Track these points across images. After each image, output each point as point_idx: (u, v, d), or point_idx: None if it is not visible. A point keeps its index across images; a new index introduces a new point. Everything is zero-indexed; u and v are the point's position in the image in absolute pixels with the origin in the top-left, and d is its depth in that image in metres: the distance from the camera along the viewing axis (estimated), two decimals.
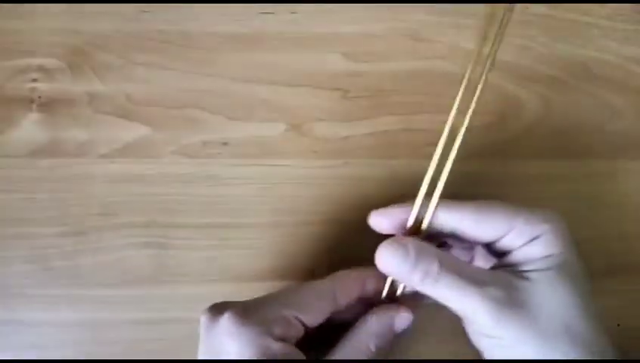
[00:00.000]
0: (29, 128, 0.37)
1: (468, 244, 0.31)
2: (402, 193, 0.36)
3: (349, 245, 0.36)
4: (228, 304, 0.27)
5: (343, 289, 0.29)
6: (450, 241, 0.31)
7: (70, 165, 0.36)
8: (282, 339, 0.26)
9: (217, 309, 0.27)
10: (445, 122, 0.38)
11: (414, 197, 0.30)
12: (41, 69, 0.37)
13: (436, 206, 0.28)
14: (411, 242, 0.27)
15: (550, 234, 0.27)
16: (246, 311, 0.26)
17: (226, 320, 0.26)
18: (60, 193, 0.36)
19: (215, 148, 0.37)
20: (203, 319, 0.27)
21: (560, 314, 0.26)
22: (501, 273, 0.27)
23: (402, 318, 0.30)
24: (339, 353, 0.28)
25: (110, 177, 0.36)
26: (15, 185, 0.36)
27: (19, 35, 0.37)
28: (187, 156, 0.37)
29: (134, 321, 0.35)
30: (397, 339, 0.30)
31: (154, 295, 0.35)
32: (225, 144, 0.37)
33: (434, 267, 0.26)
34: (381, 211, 0.29)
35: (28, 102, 0.37)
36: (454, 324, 0.35)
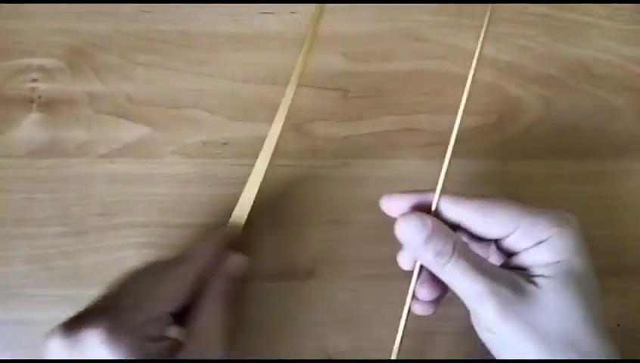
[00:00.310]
0: (29, 128, 0.37)
1: (482, 243, 0.30)
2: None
3: (349, 245, 0.36)
4: (85, 319, 0.24)
5: (204, 268, 0.30)
6: (465, 237, 0.31)
7: (70, 165, 0.36)
8: (160, 337, 0.27)
9: (72, 328, 0.24)
10: (445, 122, 0.38)
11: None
12: (41, 69, 0.37)
13: (442, 198, 0.28)
14: (430, 218, 0.27)
15: (557, 239, 0.26)
16: (114, 324, 0.24)
17: (95, 338, 0.23)
18: (60, 193, 0.36)
19: (215, 148, 0.37)
20: (57, 342, 0.24)
21: (563, 326, 0.25)
22: (512, 273, 0.27)
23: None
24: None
25: (110, 177, 0.36)
26: (15, 185, 0.36)
27: (19, 35, 0.37)
28: (187, 156, 0.37)
29: None
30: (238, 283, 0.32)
31: None
32: (225, 144, 0.37)
33: (449, 247, 0.26)
34: (394, 194, 0.29)
35: (28, 102, 0.37)
36: (454, 323, 0.35)
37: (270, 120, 0.37)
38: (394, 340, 0.29)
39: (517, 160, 0.37)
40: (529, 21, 0.38)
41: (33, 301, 0.35)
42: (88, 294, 0.35)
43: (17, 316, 0.35)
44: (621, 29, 0.39)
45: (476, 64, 0.28)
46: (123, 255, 0.36)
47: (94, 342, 0.23)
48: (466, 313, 0.37)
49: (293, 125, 0.37)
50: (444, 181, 0.28)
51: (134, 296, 0.27)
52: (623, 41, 0.38)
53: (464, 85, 0.38)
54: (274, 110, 0.37)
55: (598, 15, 0.39)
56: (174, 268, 0.29)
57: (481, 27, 0.38)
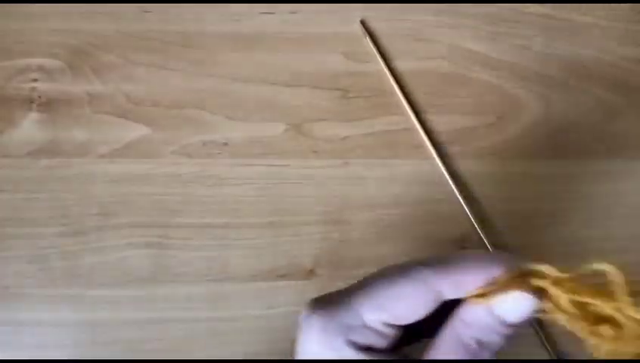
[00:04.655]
0: (29, 128, 0.37)
1: None
2: (400, 193, 0.36)
3: (349, 245, 0.36)
4: (320, 301, 0.24)
5: (450, 280, 0.23)
6: None
7: (70, 165, 0.36)
8: (368, 347, 0.23)
9: (311, 307, 0.24)
10: (444, 122, 0.38)
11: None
12: (41, 69, 0.37)
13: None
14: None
15: None
16: (329, 316, 0.23)
17: (312, 323, 0.23)
18: (60, 193, 0.36)
19: (215, 148, 0.37)
20: (302, 315, 0.24)
21: None
22: None
23: (509, 303, 0.22)
24: (432, 352, 0.23)
25: (110, 177, 0.36)
26: (15, 185, 0.36)
27: (19, 35, 0.37)
28: (187, 156, 0.37)
29: (134, 321, 0.35)
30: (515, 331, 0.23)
31: (154, 295, 0.35)
32: (225, 144, 0.37)
33: None
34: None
35: (28, 102, 0.37)
36: None
37: (270, 120, 0.37)
38: None
39: (517, 160, 0.37)
40: (529, 21, 0.38)
41: (33, 301, 0.35)
42: (88, 294, 0.36)
43: (17, 316, 0.35)
44: (621, 29, 0.39)
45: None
46: (123, 255, 0.36)
47: (311, 328, 0.23)
48: None
49: (293, 125, 0.37)
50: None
51: (358, 291, 0.24)
52: (623, 41, 0.38)
53: (464, 85, 0.38)
54: (274, 110, 0.37)
55: (598, 15, 0.39)
56: (409, 267, 0.24)
57: (481, 27, 0.38)
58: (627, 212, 0.37)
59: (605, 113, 0.38)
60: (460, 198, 0.36)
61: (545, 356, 0.35)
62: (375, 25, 0.38)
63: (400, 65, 0.38)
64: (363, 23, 0.38)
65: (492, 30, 0.38)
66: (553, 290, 0.20)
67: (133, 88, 0.37)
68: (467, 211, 0.36)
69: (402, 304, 0.23)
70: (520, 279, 0.22)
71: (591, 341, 0.20)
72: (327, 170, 0.37)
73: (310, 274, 0.36)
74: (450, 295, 0.23)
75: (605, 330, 0.19)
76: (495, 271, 0.22)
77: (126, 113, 0.37)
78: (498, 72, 0.38)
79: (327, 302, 0.24)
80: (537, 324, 0.35)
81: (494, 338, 0.22)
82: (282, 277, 0.36)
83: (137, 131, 0.37)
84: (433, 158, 0.37)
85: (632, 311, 0.18)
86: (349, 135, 0.37)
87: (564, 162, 0.37)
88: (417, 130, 0.37)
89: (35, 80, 0.37)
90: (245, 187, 0.36)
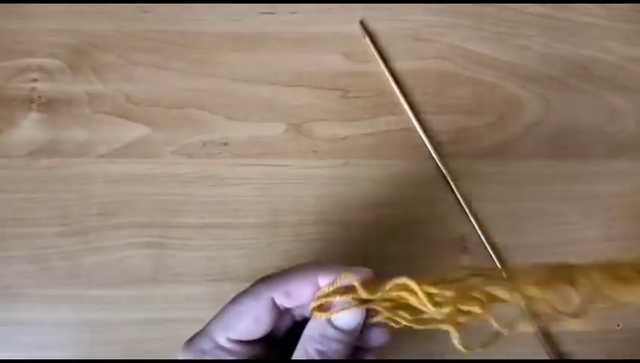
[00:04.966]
0: (29, 128, 0.37)
1: None
2: (400, 193, 0.36)
3: (349, 245, 0.36)
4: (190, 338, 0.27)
5: (280, 291, 0.26)
6: None
7: (70, 165, 0.36)
8: None
9: (184, 344, 0.27)
10: (444, 122, 0.38)
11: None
12: (41, 69, 0.37)
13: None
14: None
15: None
16: (187, 347, 0.26)
17: (178, 356, 0.27)
18: (60, 193, 0.36)
19: (215, 148, 0.37)
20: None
21: None
22: None
23: (342, 313, 0.25)
24: (293, 355, 0.26)
25: (110, 177, 0.36)
26: (15, 185, 0.36)
27: (19, 35, 0.37)
28: (187, 156, 0.37)
29: (134, 321, 0.35)
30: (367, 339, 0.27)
31: (154, 295, 0.35)
32: (225, 144, 0.37)
33: None
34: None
35: (28, 102, 0.37)
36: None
37: (270, 120, 0.37)
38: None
39: (517, 160, 0.37)
40: (529, 21, 0.38)
41: (33, 301, 0.35)
42: (88, 294, 0.36)
43: (17, 316, 0.35)
44: (621, 29, 0.39)
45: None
46: (123, 255, 0.36)
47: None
48: None
49: (293, 125, 0.37)
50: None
51: (213, 322, 0.27)
52: (623, 41, 0.38)
53: (464, 85, 0.38)
54: (274, 110, 0.37)
55: (598, 15, 0.39)
56: (251, 296, 0.26)
57: (481, 27, 0.38)
58: (627, 212, 0.37)
59: (605, 113, 0.38)
60: (460, 198, 0.36)
61: (545, 356, 0.35)
62: (375, 25, 0.38)
63: (400, 65, 0.38)
64: (363, 23, 0.38)
65: (492, 30, 0.38)
66: (364, 294, 0.25)
67: (133, 88, 0.37)
68: (467, 211, 0.36)
69: (244, 320, 0.26)
70: (350, 289, 0.25)
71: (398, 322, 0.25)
72: (327, 170, 0.37)
73: None
74: (286, 304, 0.26)
75: (403, 313, 0.25)
76: (322, 281, 0.26)
77: (126, 113, 0.37)
78: (498, 72, 0.38)
79: (192, 337, 0.27)
80: (537, 325, 0.35)
81: (338, 347, 0.25)
82: None
83: (137, 131, 0.37)
84: (433, 158, 0.37)
85: (429, 307, 0.24)
86: (349, 135, 0.37)
87: (564, 162, 0.37)
88: (417, 130, 0.37)
89: (35, 80, 0.37)
90: (245, 187, 0.36)
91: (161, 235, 0.36)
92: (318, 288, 0.26)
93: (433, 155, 0.37)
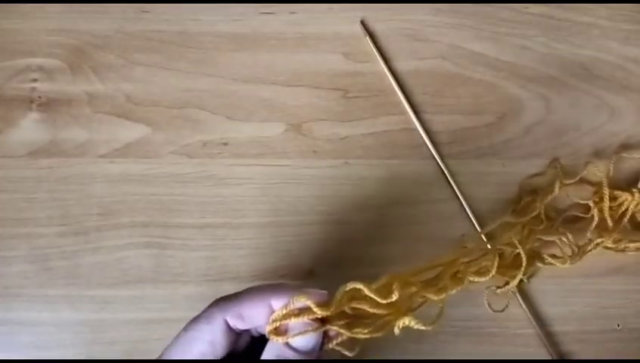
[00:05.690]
0: (29, 128, 0.37)
1: None
2: (400, 193, 0.36)
3: (349, 245, 0.36)
4: None
5: (232, 313, 0.26)
6: None
7: (70, 165, 0.36)
8: None
9: None
10: (444, 122, 0.38)
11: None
12: (41, 69, 0.37)
13: None
14: None
15: None
16: None
17: None
18: (60, 193, 0.36)
19: (215, 148, 0.37)
20: None
21: None
22: None
23: (298, 335, 0.26)
24: None
25: (110, 177, 0.36)
26: (15, 185, 0.36)
27: (19, 35, 0.37)
28: (187, 156, 0.37)
29: (134, 321, 0.35)
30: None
31: (154, 295, 0.35)
32: (225, 144, 0.37)
33: None
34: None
35: (28, 102, 0.37)
36: (453, 323, 0.35)
37: (270, 120, 0.37)
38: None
39: (516, 160, 0.37)
40: (529, 21, 0.38)
41: (33, 301, 0.35)
42: (88, 294, 0.36)
43: (17, 316, 0.35)
44: (621, 29, 0.39)
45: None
46: (123, 255, 0.36)
47: None
48: (466, 314, 0.37)
49: (293, 125, 0.37)
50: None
51: (167, 351, 0.26)
52: (623, 41, 0.38)
53: (464, 85, 0.38)
54: (274, 110, 0.37)
55: (598, 15, 0.39)
56: (206, 320, 0.26)
57: (481, 27, 0.38)
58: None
59: (605, 113, 0.38)
60: (460, 198, 0.36)
61: (545, 356, 0.35)
62: (375, 25, 0.38)
63: (400, 65, 0.38)
64: (363, 23, 0.38)
65: (492, 30, 0.38)
66: (319, 312, 0.25)
67: (133, 88, 0.37)
68: (467, 211, 0.36)
69: (199, 345, 0.26)
70: (304, 310, 0.26)
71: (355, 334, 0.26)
72: (327, 170, 0.37)
73: (310, 274, 0.36)
74: (240, 327, 0.26)
75: (360, 330, 0.27)
76: (275, 304, 0.26)
77: (126, 113, 0.37)
78: (498, 72, 0.38)
79: None
80: (537, 324, 0.35)
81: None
82: (282, 277, 0.36)
83: (137, 131, 0.37)
84: (433, 158, 0.37)
85: (379, 300, 0.26)
86: (349, 135, 0.37)
87: (564, 163, 0.37)
88: (417, 130, 0.37)
89: (35, 80, 0.37)
90: (245, 187, 0.36)
91: (161, 235, 0.36)
92: (272, 310, 0.26)
93: (434, 155, 0.37)
